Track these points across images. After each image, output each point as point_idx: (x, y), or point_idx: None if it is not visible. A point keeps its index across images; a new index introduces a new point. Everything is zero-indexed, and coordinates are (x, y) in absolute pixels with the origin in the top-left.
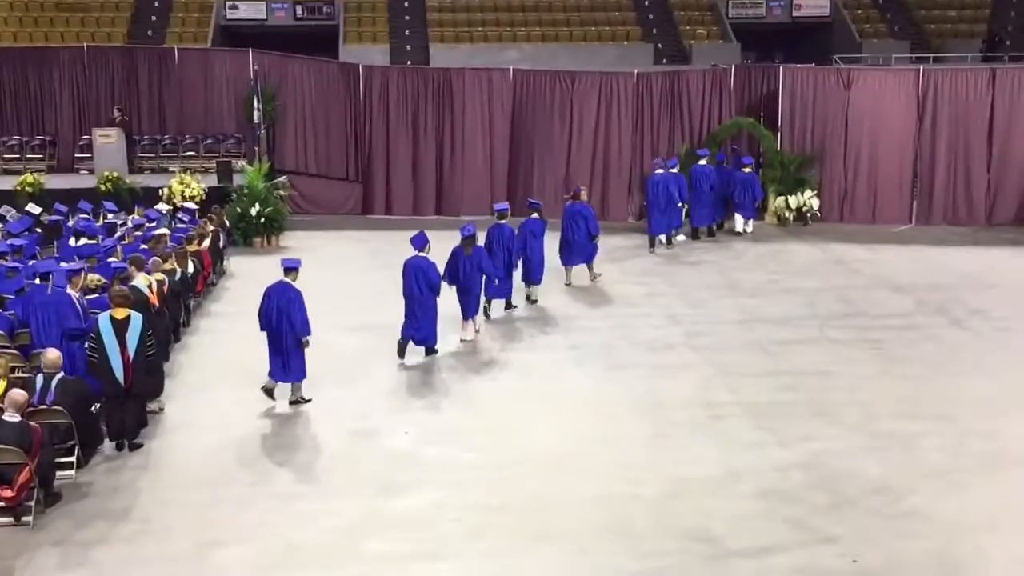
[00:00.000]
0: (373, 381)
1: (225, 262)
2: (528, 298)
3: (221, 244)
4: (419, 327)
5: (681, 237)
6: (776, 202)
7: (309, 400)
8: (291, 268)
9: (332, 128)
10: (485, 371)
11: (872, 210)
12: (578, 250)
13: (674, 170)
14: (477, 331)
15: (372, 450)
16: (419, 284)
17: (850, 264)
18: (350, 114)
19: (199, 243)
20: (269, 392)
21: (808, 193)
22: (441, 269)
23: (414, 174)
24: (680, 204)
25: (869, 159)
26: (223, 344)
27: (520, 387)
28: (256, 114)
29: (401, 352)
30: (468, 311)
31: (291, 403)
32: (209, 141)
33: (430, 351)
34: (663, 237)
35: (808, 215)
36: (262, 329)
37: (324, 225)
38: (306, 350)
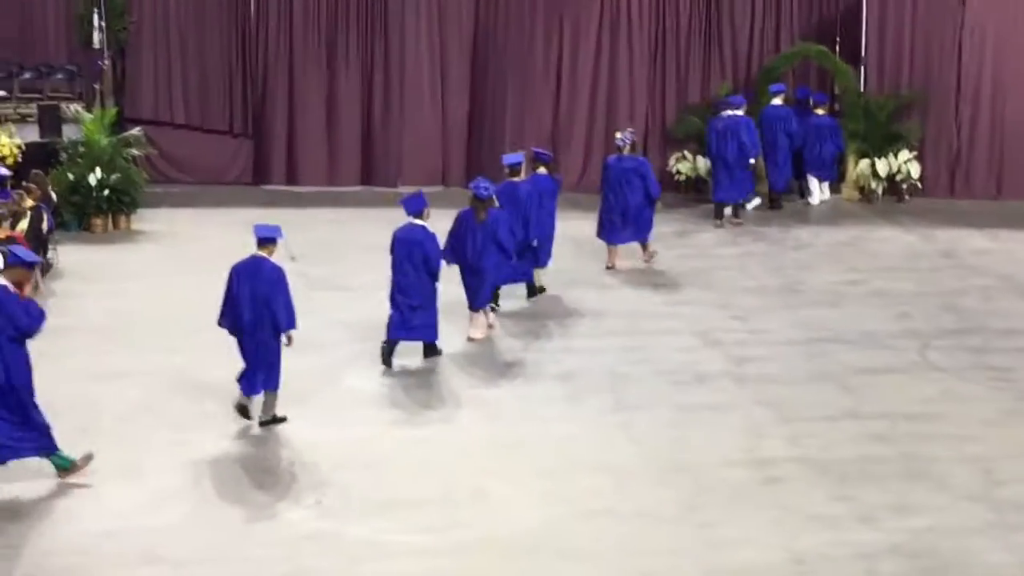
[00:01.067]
0: (309, 410)
1: (51, 253)
2: (531, 289)
3: (44, 227)
4: (412, 322)
5: (756, 200)
6: (858, 167)
7: (284, 419)
8: (267, 239)
9: (209, 59)
10: (446, 405)
11: (997, 180)
12: (632, 219)
13: (740, 111)
14: (491, 326)
15: (267, 531)
16: (412, 263)
17: (964, 258)
18: (236, 39)
19: (11, 226)
20: (244, 410)
21: (904, 155)
22: (442, 243)
23: (329, 127)
24: (751, 160)
25: (994, 105)
26: (55, 377)
27: (488, 434)
28: (97, 36)
29: (386, 358)
30: (478, 299)
31: (262, 424)
32: (27, 76)
33: (431, 351)
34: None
35: (904, 186)
36: (225, 325)
37: (198, 201)
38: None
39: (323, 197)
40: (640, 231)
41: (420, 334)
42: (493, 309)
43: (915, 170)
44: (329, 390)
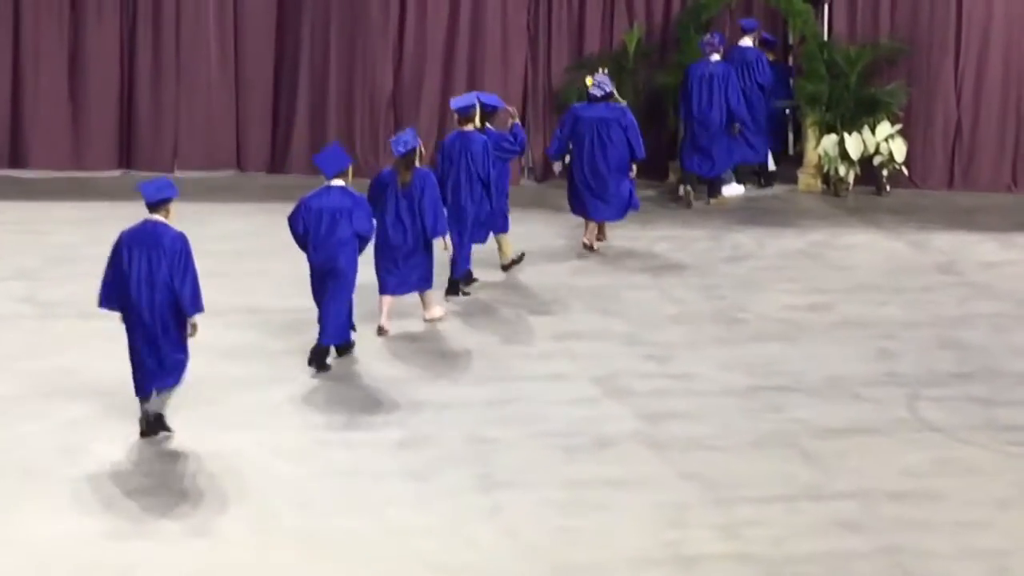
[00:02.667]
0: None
1: None
2: (455, 284)
3: None
4: (327, 314)
5: (737, 188)
6: (821, 145)
7: (171, 432)
8: (160, 201)
9: None
10: (250, 496)
11: (1012, 165)
12: (613, 188)
13: (715, 58)
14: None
15: None
16: (338, 240)
17: (967, 274)
18: None
19: None
20: (152, 422)
21: (884, 129)
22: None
23: (74, 93)
24: (736, 123)
25: (1007, 59)
26: None
27: (296, 527)
28: None
29: (319, 360)
30: (414, 278)
31: (147, 427)
32: None
33: (343, 349)
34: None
35: (885, 173)
36: (110, 307)
37: None
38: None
39: (63, 186)
40: (621, 205)
41: (332, 327)
42: (457, 293)
43: (899, 150)
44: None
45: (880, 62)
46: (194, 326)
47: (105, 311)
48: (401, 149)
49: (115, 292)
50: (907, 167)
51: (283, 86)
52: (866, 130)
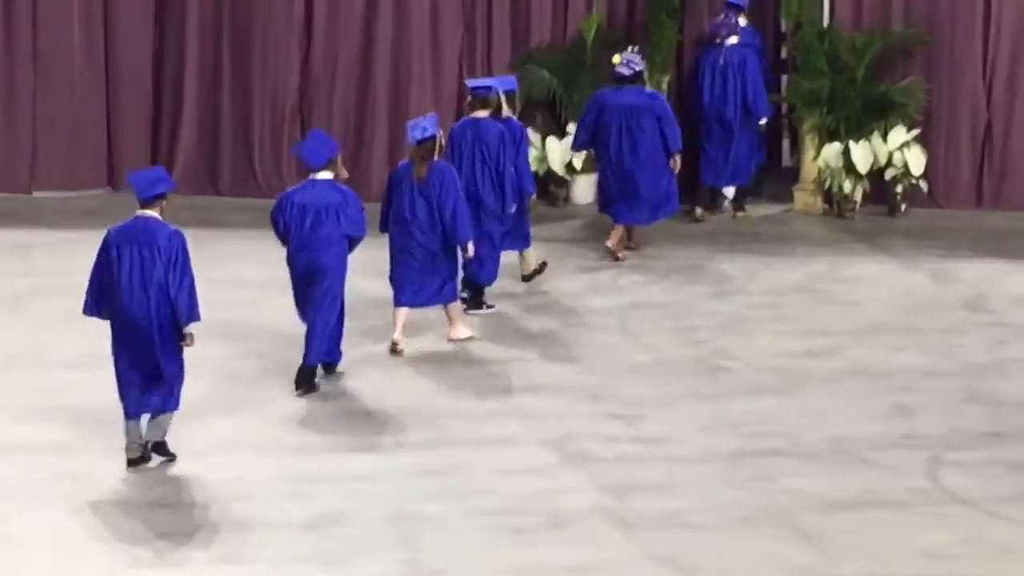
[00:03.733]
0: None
1: None
2: (469, 296)
3: None
4: (312, 328)
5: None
6: (821, 156)
7: (174, 458)
8: (154, 197)
9: None
10: None
11: None
12: (644, 187)
13: (732, 40)
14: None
15: None
16: (327, 240)
17: (1000, 312)
18: None
19: None
20: (139, 450)
21: (899, 136)
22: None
23: None
24: (762, 120)
25: None
26: None
27: None
28: None
29: (306, 382)
30: (432, 288)
31: (150, 450)
32: None
33: (329, 367)
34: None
35: (900, 189)
36: (99, 314)
37: None
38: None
39: None
40: (657, 205)
41: (318, 342)
42: (475, 305)
43: (917, 162)
44: None
45: (892, 53)
46: (190, 336)
47: (91, 318)
48: (418, 135)
49: (103, 297)
50: (926, 181)
51: (165, 88)
52: (876, 137)
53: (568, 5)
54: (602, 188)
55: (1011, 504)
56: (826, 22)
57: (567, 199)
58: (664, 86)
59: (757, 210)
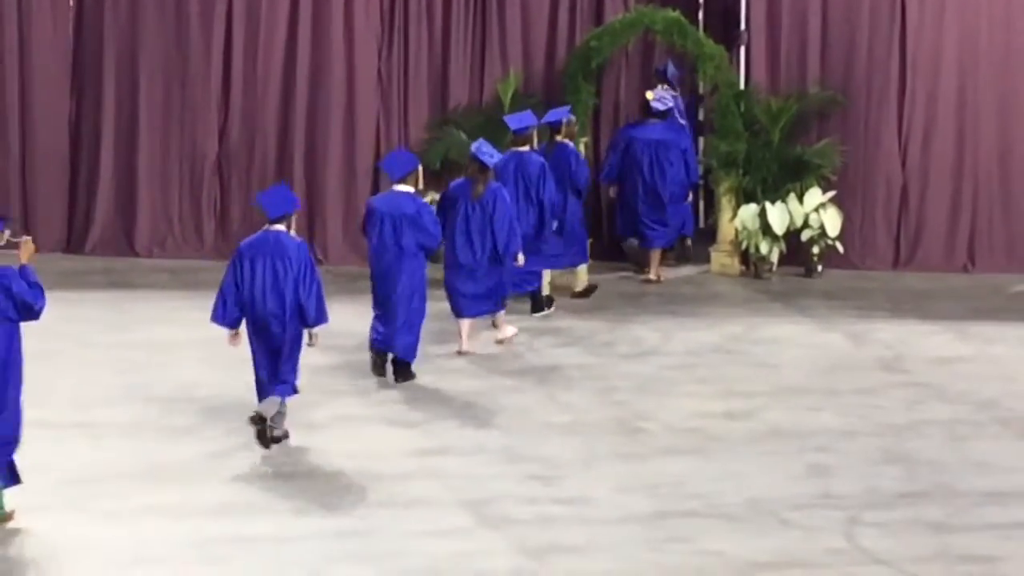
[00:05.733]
0: None
1: None
2: (536, 301)
3: None
4: (390, 324)
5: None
6: (738, 217)
7: (286, 436)
8: (282, 215)
9: None
10: None
11: (970, 241)
12: (671, 215)
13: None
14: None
15: None
16: (400, 241)
17: (917, 372)
18: None
19: None
20: (260, 422)
21: (815, 197)
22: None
23: None
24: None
25: (958, 115)
26: None
27: None
28: None
29: (379, 368)
30: (486, 299)
31: (272, 439)
32: None
33: (401, 371)
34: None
35: (816, 251)
36: (223, 321)
37: None
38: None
39: None
40: (681, 230)
41: (395, 338)
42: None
43: (833, 223)
44: None
45: (808, 116)
46: (316, 336)
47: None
48: (490, 160)
49: (233, 306)
50: (842, 243)
51: (82, 149)
52: (792, 199)
53: (484, 68)
54: (626, 216)
55: (928, 564)
56: (743, 85)
57: None
58: (582, 148)
59: (676, 271)
